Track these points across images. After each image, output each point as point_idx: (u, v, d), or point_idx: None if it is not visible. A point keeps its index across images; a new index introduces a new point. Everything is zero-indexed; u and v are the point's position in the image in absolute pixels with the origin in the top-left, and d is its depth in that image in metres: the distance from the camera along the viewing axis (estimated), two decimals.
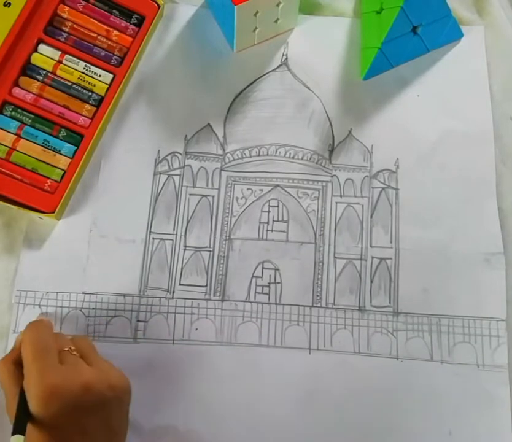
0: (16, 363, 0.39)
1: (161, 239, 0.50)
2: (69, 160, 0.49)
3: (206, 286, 0.49)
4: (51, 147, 0.49)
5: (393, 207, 0.51)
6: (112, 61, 0.52)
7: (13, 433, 0.34)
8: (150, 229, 0.50)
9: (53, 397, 0.35)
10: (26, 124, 0.50)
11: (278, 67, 0.55)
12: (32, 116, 0.50)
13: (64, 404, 0.35)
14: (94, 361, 0.39)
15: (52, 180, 0.49)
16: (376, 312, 0.48)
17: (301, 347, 0.47)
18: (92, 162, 0.51)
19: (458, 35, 0.55)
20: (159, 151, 0.52)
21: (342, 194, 0.51)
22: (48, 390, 0.35)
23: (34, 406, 0.35)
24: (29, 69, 0.51)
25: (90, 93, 0.51)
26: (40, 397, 0.34)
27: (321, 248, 0.50)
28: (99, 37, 0.52)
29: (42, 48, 0.51)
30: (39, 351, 0.37)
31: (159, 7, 0.54)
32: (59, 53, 0.51)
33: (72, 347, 0.40)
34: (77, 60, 0.52)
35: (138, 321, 0.48)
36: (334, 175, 0.52)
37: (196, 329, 0.48)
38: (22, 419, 0.34)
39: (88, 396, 0.36)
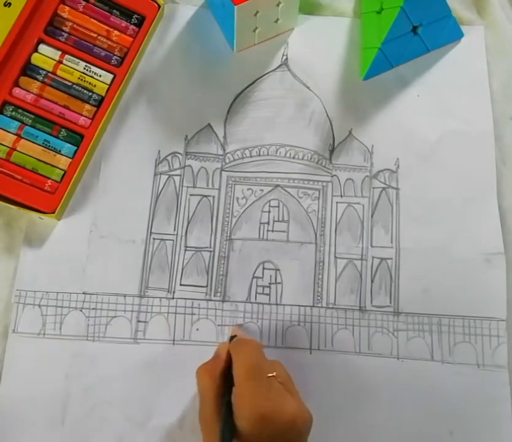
0: (221, 374, 0.39)
1: (162, 239, 0.50)
2: (69, 160, 0.49)
3: (207, 286, 0.49)
4: (52, 147, 0.49)
5: (394, 207, 0.51)
6: (112, 61, 0.52)
7: None
8: (151, 230, 0.50)
9: (263, 422, 0.35)
10: (26, 125, 0.50)
11: (278, 67, 0.55)
12: (33, 116, 0.50)
13: (271, 432, 0.35)
14: (293, 392, 0.39)
15: (52, 180, 0.49)
16: (376, 312, 0.48)
17: (301, 347, 0.47)
18: (92, 163, 0.51)
19: (458, 35, 0.56)
20: (159, 151, 0.52)
21: (342, 194, 0.51)
22: (259, 414, 0.35)
23: (244, 425, 0.35)
24: (29, 69, 0.51)
25: (90, 93, 0.51)
26: (252, 419, 0.35)
27: (322, 248, 0.50)
28: (99, 37, 0.52)
29: (42, 48, 0.51)
30: (254, 372, 0.37)
31: (159, 7, 0.54)
32: (60, 53, 0.51)
33: (275, 373, 0.39)
34: (77, 60, 0.52)
35: (138, 321, 0.48)
36: (335, 175, 0.52)
37: (197, 329, 0.48)
38: (228, 433, 0.35)
39: (293, 428, 0.36)
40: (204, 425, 0.38)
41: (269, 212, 0.51)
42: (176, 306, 0.48)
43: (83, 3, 0.53)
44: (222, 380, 0.39)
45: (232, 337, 0.44)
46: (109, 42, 0.52)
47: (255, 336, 0.47)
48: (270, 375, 0.38)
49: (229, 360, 0.40)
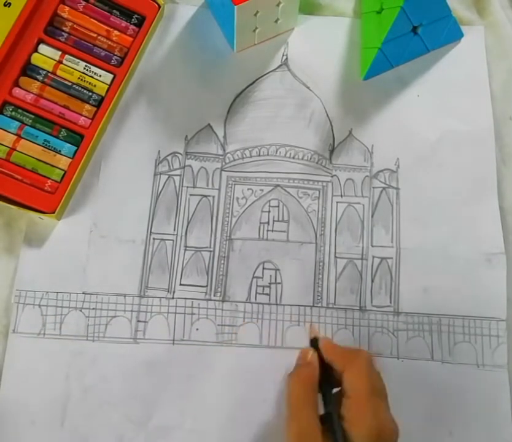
0: (318, 383, 0.39)
1: (162, 239, 0.50)
2: (69, 160, 0.49)
3: (207, 286, 0.49)
4: (52, 147, 0.49)
5: (394, 207, 0.51)
6: (112, 61, 0.52)
7: None
8: (151, 230, 0.50)
9: (381, 439, 0.35)
10: (26, 125, 0.50)
11: (278, 67, 0.55)
12: (33, 116, 0.50)
13: None
14: (388, 406, 0.39)
15: (52, 180, 0.49)
16: (376, 311, 0.48)
17: (302, 347, 0.47)
18: (92, 163, 0.51)
19: (459, 35, 0.56)
20: (159, 151, 0.52)
21: (342, 194, 0.51)
22: (379, 431, 0.35)
23: (361, 440, 0.35)
24: (29, 69, 0.51)
25: (90, 93, 0.51)
26: (372, 435, 0.35)
27: (322, 248, 0.50)
28: (99, 37, 0.52)
29: (42, 48, 0.51)
30: (373, 387, 0.37)
31: (159, 7, 0.54)
32: (60, 53, 0.51)
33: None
34: (77, 60, 0.52)
35: (138, 321, 0.48)
36: (335, 175, 0.52)
37: (197, 329, 0.48)
38: None
39: None
40: (299, 436, 0.37)
41: (269, 212, 0.51)
42: (176, 306, 0.48)
43: (83, 3, 0.53)
44: (313, 389, 0.39)
45: (313, 340, 0.44)
46: (109, 42, 0.52)
47: (255, 337, 0.47)
48: (381, 391, 0.38)
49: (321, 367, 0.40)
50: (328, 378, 0.40)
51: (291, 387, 0.39)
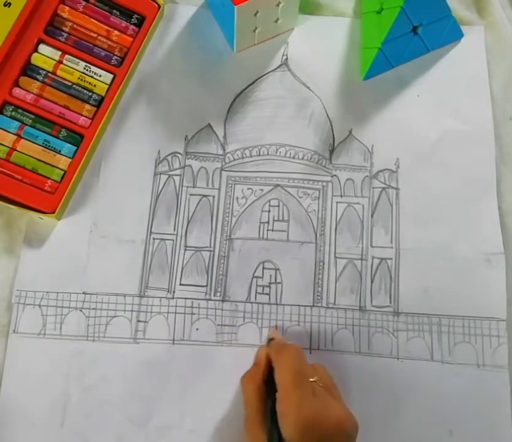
0: (263, 381, 0.40)
1: (162, 239, 0.50)
2: (69, 160, 0.49)
3: (206, 286, 0.49)
4: (52, 147, 0.49)
5: (394, 207, 0.51)
6: (112, 61, 0.52)
7: None
8: (151, 230, 0.50)
9: (309, 429, 0.35)
10: (26, 125, 0.50)
11: (278, 67, 0.55)
12: (33, 116, 0.50)
13: (318, 438, 0.35)
14: (336, 396, 0.39)
15: (52, 180, 0.49)
16: (376, 312, 0.48)
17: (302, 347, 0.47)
18: (92, 163, 0.51)
19: (459, 35, 0.56)
20: (159, 151, 0.52)
21: (342, 194, 0.51)
22: (305, 421, 0.35)
23: (289, 433, 0.35)
24: (29, 69, 0.51)
25: (90, 93, 0.51)
26: (298, 426, 0.35)
27: (322, 248, 0.50)
28: (99, 37, 0.52)
29: (42, 48, 0.51)
30: (297, 378, 0.37)
31: (159, 7, 0.54)
32: (60, 53, 0.51)
33: (316, 378, 0.39)
34: (77, 60, 0.52)
35: (138, 321, 0.48)
36: (335, 175, 0.52)
37: (197, 329, 0.48)
38: (276, 440, 0.36)
39: (339, 433, 0.36)
40: (250, 433, 0.38)
41: (269, 211, 0.51)
42: (176, 306, 0.48)
43: (83, 3, 0.53)
44: (264, 386, 0.39)
45: (270, 340, 0.45)
46: (109, 42, 0.52)
47: (255, 336, 0.47)
48: (312, 380, 0.38)
49: (270, 364, 0.40)
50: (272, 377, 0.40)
51: (242, 386, 0.41)
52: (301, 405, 0.36)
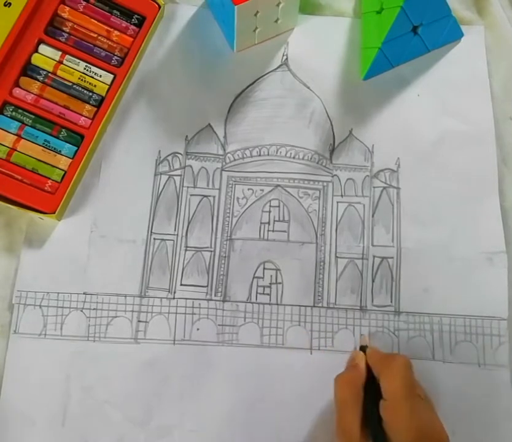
0: (363, 386, 0.40)
1: (162, 239, 0.50)
2: (70, 160, 0.49)
3: (207, 286, 0.49)
4: (52, 147, 0.49)
5: (395, 207, 0.51)
6: (113, 61, 0.52)
7: None
8: (151, 230, 0.50)
9: (420, 440, 0.36)
10: (26, 125, 0.50)
11: (278, 67, 0.55)
12: (33, 116, 0.50)
13: None
14: (435, 410, 0.39)
15: (52, 180, 0.49)
16: (377, 311, 0.48)
17: (302, 347, 0.47)
18: (92, 163, 0.51)
19: (459, 35, 0.56)
20: (159, 151, 0.52)
21: (343, 193, 0.51)
22: (417, 432, 0.36)
23: (400, 440, 0.36)
24: (29, 70, 0.51)
25: (91, 93, 0.51)
26: (410, 436, 0.36)
27: (323, 248, 0.50)
28: (99, 38, 0.52)
29: (43, 48, 0.51)
30: (410, 390, 0.38)
31: (159, 7, 0.54)
32: (60, 53, 0.51)
33: (422, 391, 0.40)
34: (78, 60, 0.52)
35: (139, 321, 0.48)
36: (335, 175, 0.52)
37: (198, 329, 0.48)
38: None
39: None
40: (343, 435, 0.38)
41: (270, 212, 0.51)
42: (177, 306, 0.48)
43: (83, 3, 0.53)
44: (363, 392, 0.40)
45: (362, 347, 0.45)
46: (109, 42, 0.52)
47: (255, 337, 0.47)
48: (420, 393, 0.39)
49: (369, 371, 0.41)
50: (374, 384, 0.41)
51: (336, 388, 0.41)
52: (412, 416, 0.36)
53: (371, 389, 0.40)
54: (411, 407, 0.37)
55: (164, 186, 0.51)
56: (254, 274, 0.49)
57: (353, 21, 0.57)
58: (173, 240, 0.50)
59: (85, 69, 0.51)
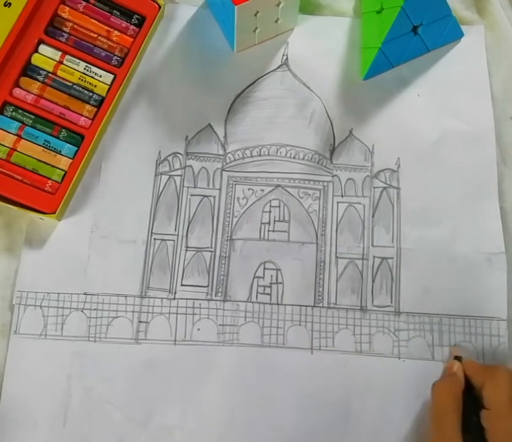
0: (462, 394, 0.40)
1: (163, 239, 0.50)
2: (70, 161, 0.49)
3: (208, 286, 0.49)
4: (52, 147, 0.49)
5: (395, 207, 0.51)
6: (113, 61, 0.52)
7: None
8: (151, 230, 0.50)
9: None
10: (26, 125, 0.49)
11: (278, 67, 0.55)
12: (33, 116, 0.50)
13: None
14: None
15: (53, 180, 0.49)
16: (377, 311, 0.48)
17: (302, 347, 0.47)
18: (93, 163, 0.51)
19: (459, 35, 0.56)
20: (160, 151, 0.52)
21: (343, 194, 0.51)
22: None
23: None
24: (29, 70, 0.51)
25: (91, 94, 0.51)
26: None
27: (323, 248, 0.50)
28: (99, 38, 0.52)
29: (43, 48, 0.51)
30: None
31: (159, 7, 0.54)
32: (60, 53, 0.51)
33: None
34: (78, 60, 0.51)
35: (140, 322, 0.48)
36: (335, 175, 0.52)
37: (198, 329, 0.48)
38: None
39: None
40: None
41: (270, 212, 0.51)
42: (177, 306, 0.48)
43: (84, 3, 0.53)
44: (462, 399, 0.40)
45: (457, 357, 0.45)
46: (109, 43, 0.52)
47: (256, 336, 0.47)
48: None
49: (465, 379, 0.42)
50: (470, 393, 0.41)
51: (435, 396, 0.41)
52: None
53: (469, 398, 0.40)
54: None
55: (164, 186, 0.51)
56: (254, 274, 0.49)
57: (353, 21, 0.57)
58: (173, 241, 0.50)
59: (85, 69, 0.51)
